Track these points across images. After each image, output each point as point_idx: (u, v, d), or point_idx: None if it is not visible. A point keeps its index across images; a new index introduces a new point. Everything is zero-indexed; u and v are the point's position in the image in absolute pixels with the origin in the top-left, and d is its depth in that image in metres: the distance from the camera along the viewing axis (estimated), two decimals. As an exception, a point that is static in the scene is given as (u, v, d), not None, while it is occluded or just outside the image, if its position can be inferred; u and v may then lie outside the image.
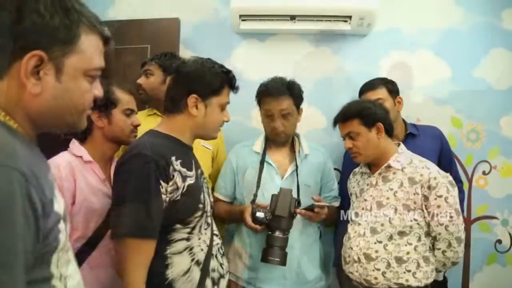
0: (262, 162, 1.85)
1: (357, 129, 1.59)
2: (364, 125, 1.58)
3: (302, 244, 1.82)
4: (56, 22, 0.71)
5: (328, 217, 1.84)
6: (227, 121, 1.38)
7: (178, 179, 1.18)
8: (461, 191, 2.15)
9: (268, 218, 1.68)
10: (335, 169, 2.34)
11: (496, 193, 2.36)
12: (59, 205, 0.74)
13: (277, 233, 1.66)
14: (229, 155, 1.98)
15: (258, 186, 1.79)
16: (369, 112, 1.58)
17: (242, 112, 2.40)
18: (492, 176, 2.36)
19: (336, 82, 2.42)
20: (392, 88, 2.05)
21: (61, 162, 1.42)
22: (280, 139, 1.85)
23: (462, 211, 2.19)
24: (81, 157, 1.47)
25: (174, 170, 1.18)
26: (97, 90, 0.82)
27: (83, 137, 1.53)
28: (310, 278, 1.81)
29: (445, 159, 2.09)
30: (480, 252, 2.34)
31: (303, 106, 2.38)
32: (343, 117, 1.62)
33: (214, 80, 1.29)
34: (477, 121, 2.37)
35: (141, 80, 1.98)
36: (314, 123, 2.38)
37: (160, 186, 1.14)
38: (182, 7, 2.46)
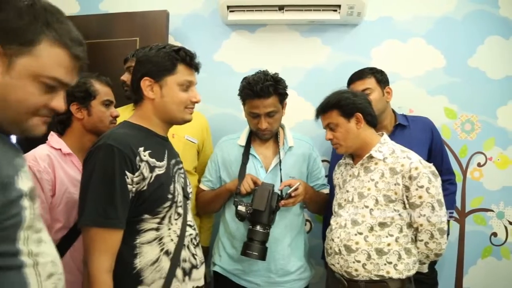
0: (246, 155, 1.83)
1: (336, 120, 1.56)
2: (342, 116, 1.55)
3: (289, 237, 1.81)
4: (19, 23, 0.77)
5: (317, 201, 1.89)
6: (196, 102, 1.33)
7: (145, 169, 1.18)
8: (453, 183, 2.12)
9: (249, 212, 1.67)
10: (325, 160, 2.33)
11: (492, 185, 2.31)
12: (23, 183, 0.79)
13: (258, 228, 1.66)
14: (215, 149, 1.98)
15: (241, 179, 1.77)
16: (347, 102, 1.55)
17: (233, 105, 2.39)
18: (488, 168, 2.31)
19: (326, 73, 2.39)
20: (381, 78, 2.00)
21: (39, 154, 1.43)
22: (265, 136, 1.83)
23: (453, 203, 2.16)
24: (60, 149, 1.49)
25: (141, 160, 1.18)
26: (56, 102, 0.86)
27: (62, 129, 1.56)
28: (292, 269, 1.79)
29: (436, 150, 2.05)
30: (475, 245, 2.30)
31: (293, 97, 2.38)
32: (322, 109, 1.60)
33: (163, 59, 1.27)
34: (472, 112, 2.32)
35: (125, 77, 1.97)
36: (304, 114, 2.36)
37: (126, 177, 1.14)
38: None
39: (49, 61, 0.81)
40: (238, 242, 1.78)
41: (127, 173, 1.14)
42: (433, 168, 1.51)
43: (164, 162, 1.26)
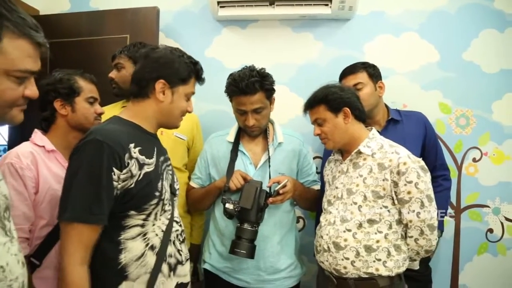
0: (235, 152, 1.81)
1: (323, 115, 1.54)
2: (330, 111, 1.53)
3: (279, 234, 1.79)
4: None
5: (307, 198, 1.88)
6: (190, 112, 1.39)
7: (134, 167, 1.18)
8: (447, 179, 2.09)
9: (236, 209, 1.65)
10: (318, 157, 2.31)
11: (487, 180, 2.27)
12: None
13: (246, 226, 1.64)
14: (204, 146, 1.96)
15: (229, 176, 1.74)
16: (334, 97, 1.52)
17: (224, 101, 2.33)
18: (483, 163, 2.27)
19: (319, 69, 2.36)
20: (373, 72, 1.98)
21: (22, 151, 1.42)
22: (254, 133, 1.81)
23: (448, 199, 2.13)
24: (43, 146, 1.49)
25: (131, 157, 1.17)
26: (29, 90, 0.87)
27: (46, 126, 1.55)
28: (282, 267, 1.77)
29: (430, 145, 2.02)
30: (470, 241, 2.27)
31: (286, 93, 2.36)
32: (310, 104, 1.58)
33: (183, 68, 1.30)
34: (467, 106, 2.28)
35: (113, 74, 1.96)
36: (296, 110, 2.29)
37: (112, 173, 1.13)
38: (161, -4, 2.44)
39: (17, 55, 0.81)
40: (228, 240, 1.76)
41: (115, 169, 1.13)
42: (422, 163, 1.48)
43: (154, 159, 1.26)
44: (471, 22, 2.28)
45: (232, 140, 1.85)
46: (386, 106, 2.07)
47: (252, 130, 1.79)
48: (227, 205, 1.67)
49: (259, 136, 1.86)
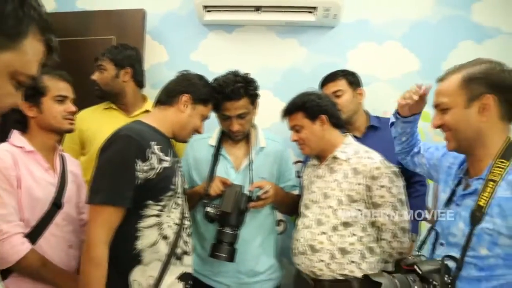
0: (215, 156, 1.83)
1: (301, 122, 1.59)
2: (307, 118, 1.58)
3: (260, 237, 1.82)
4: (7, 9, 0.62)
5: (287, 203, 1.88)
6: (200, 133, 1.60)
7: (154, 160, 1.34)
8: (424, 185, 2.14)
9: (217, 213, 1.67)
10: (300, 161, 2.34)
11: (464, 187, 2.32)
12: None
13: (226, 229, 1.65)
14: (187, 148, 1.96)
15: (210, 180, 1.77)
16: (312, 104, 1.57)
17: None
18: (461, 170, 2.33)
19: (303, 74, 2.41)
20: (353, 80, 2.03)
21: (1, 152, 1.40)
22: (237, 138, 1.83)
23: (424, 204, 2.18)
24: (22, 147, 1.45)
25: (153, 153, 1.34)
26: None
27: (24, 127, 1.50)
28: (262, 270, 1.80)
29: (408, 151, 2.07)
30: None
31: (270, 97, 2.39)
32: (288, 111, 1.63)
33: (208, 92, 1.55)
34: (445, 115, 2.34)
35: (95, 76, 1.97)
36: (279, 114, 2.36)
37: (135, 164, 1.29)
38: (148, -2, 2.46)
39: (32, 57, 0.70)
40: (208, 243, 1.75)
41: (138, 160, 1.29)
42: (395, 169, 1.53)
43: (170, 158, 1.42)
44: (451, 33, 2.35)
45: (214, 144, 1.87)
46: (367, 113, 2.12)
47: (236, 135, 1.81)
48: (208, 209, 1.69)
49: (242, 140, 1.88)
